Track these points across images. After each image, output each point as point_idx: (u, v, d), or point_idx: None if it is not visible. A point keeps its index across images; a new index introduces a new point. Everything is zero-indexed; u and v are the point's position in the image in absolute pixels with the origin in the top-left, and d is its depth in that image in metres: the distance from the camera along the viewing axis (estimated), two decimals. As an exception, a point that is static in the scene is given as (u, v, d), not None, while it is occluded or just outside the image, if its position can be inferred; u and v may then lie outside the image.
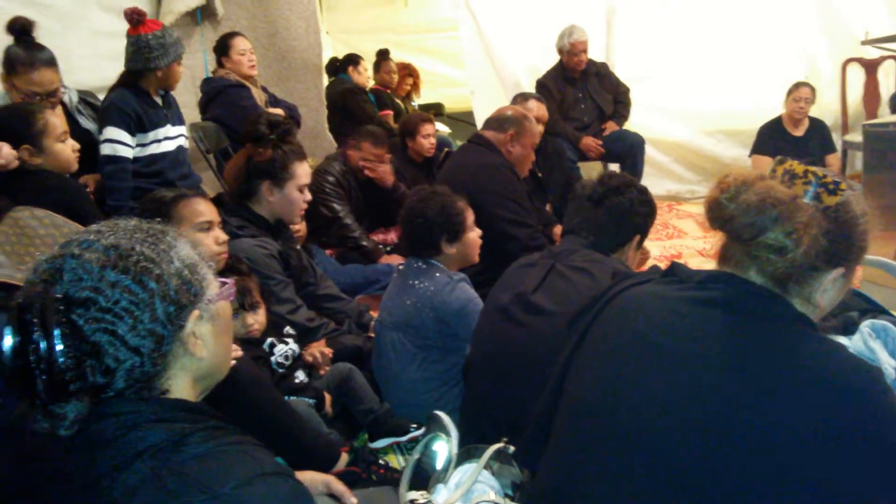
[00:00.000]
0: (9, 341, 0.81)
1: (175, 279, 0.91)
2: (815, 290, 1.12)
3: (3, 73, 2.54)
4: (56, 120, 2.23)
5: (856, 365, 1.04)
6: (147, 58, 2.83)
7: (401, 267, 2.40)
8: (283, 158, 2.44)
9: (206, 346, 0.96)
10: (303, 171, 2.50)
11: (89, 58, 2.92)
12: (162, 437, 0.84)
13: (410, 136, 4.15)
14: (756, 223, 1.08)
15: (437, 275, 2.26)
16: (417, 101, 6.95)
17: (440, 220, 2.25)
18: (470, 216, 2.35)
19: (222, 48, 3.93)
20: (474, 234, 2.36)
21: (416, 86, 6.84)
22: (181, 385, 0.94)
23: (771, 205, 1.06)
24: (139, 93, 2.90)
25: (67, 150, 2.27)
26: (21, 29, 2.53)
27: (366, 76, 5.99)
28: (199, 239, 1.96)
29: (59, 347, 0.81)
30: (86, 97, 3.13)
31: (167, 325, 0.90)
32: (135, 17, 2.83)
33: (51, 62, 2.58)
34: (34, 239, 1.73)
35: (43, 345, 0.80)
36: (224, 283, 1.01)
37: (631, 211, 1.92)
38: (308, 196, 2.54)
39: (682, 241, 4.43)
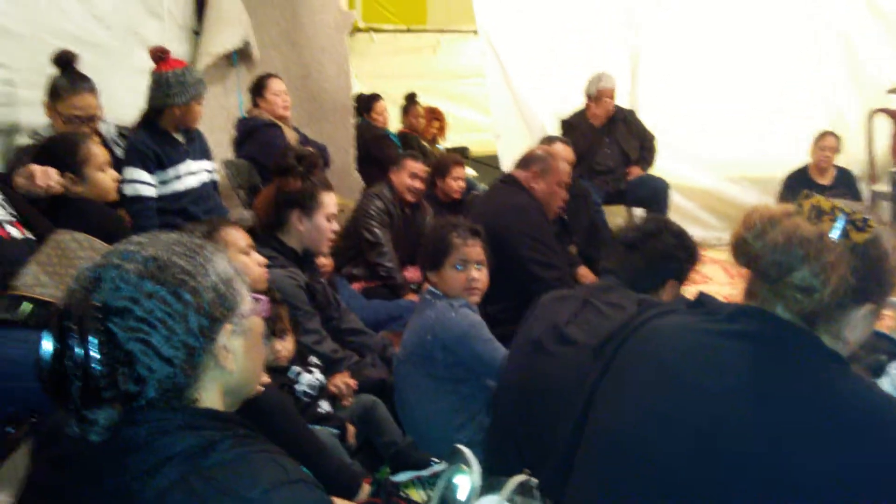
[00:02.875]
0: (48, 347, 0.84)
1: (210, 292, 0.94)
2: (843, 326, 1.10)
3: (48, 101, 2.64)
4: (98, 150, 2.32)
5: (890, 401, 1.03)
6: (165, 94, 2.91)
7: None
8: (311, 188, 2.51)
9: (236, 360, 0.98)
10: (330, 201, 2.56)
11: (132, 94, 3.03)
12: (191, 443, 0.86)
13: (441, 175, 4.25)
14: (783, 263, 1.07)
15: (439, 302, 2.28)
16: (443, 144, 7.06)
17: (425, 249, 2.31)
18: (457, 248, 2.27)
19: (258, 88, 4.05)
20: (450, 269, 2.28)
21: (441, 129, 6.96)
22: (210, 396, 0.96)
23: (798, 244, 1.05)
24: (157, 131, 2.97)
25: (108, 179, 2.35)
26: (66, 61, 2.64)
27: (385, 116, 6.01)
28: (243, 262, 2.02)
29: (95, 354, 0.83)
30: (123, 131, 3.23)
31: (200, 338, 0.92)
32: (158, 55, 2.93)
33: (92, 89, 2.68)
34: (74, 260, 1.79)
35: (79, 351, 0.83)
36: (258, 300, 1.03)
37: (666, 255, 1.91)
38: (335, 226, 2.60)
39: (709, 287, 4.40)
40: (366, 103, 5.84)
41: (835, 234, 1.07)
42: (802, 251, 1.05)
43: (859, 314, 1.10)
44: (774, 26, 5.20)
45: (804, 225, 1.08)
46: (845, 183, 4.89)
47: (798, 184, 4.81)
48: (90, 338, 0.83)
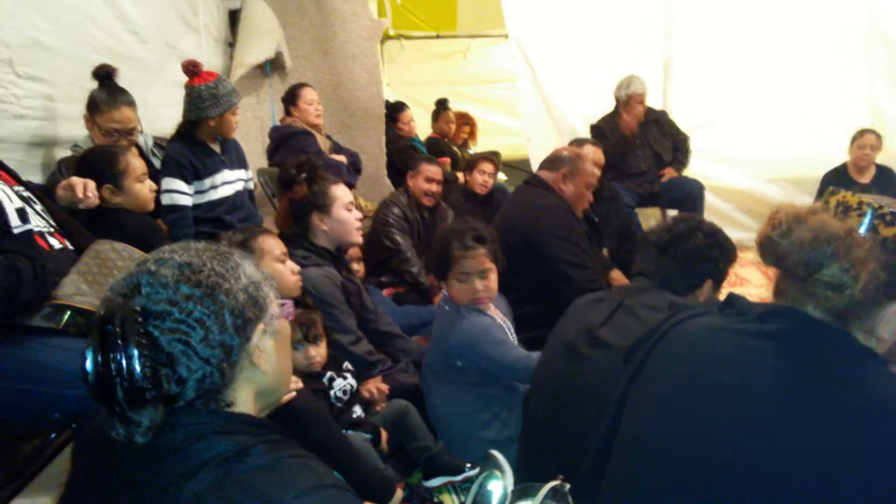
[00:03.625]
0: (92, 355, 0.87)
1: (242, 294, 0.97)
2: (876, 323, 1.09)
3: (87, 114, 2.72)
4: (136, 161, 2.38)
5: None
6: (199, 107, 2.97)
7: None
8: (319, 186, 2.54)
9: (269, 360, 1.01)
10: (342, 192, 2.60)
11: (169, 107, 3.10)
12: (226, 447, 0.88)
13: (470, 170, 4.38)
14: (811, 260, 1.06)
15: (447, 308, 2.31)
16: (474, 148, 7.07)
17: (431, 258, 2.34)
18: (458, 261, 2.24)
19: (291, 97, 4.11)
20: (454, 281, 2.26)
21: (472, 134, 6.98)
22: (245, 398, 0.99)
23: (826, 241, 1.04)
24: (194, 142, 3.03)
25: (146, 190, 2.40)
26: (105, 75, 2.72)
27: (411, 126, 5.98)
28: (278, 270, 2.06)
29: (138, 357, 0.87)
30: (160, 142, 3.31)
31: (235, 337, 0.95)
32: (190, 69, 3.00)
33: (131, 103, 2.76)
34: (113, 270, 1.83)
35: (122, 354, 0.86)
36: (283, 304, 1.06)
37: (699, 256, 1.86)
38: (359, 214, 2.62)
39: (745, 289, 4.34)
40: (391, 112, 5.86)
41: (863, 229, 1.06)
42: (831, 248, 1.04)
43: (892, 309, 1.09)
44: (810, 24, 5.09)
45: (831, 221, 1.07)
46: (886, 181, 4.77)
47: (837, 183, 4.70)
48: (132, 341, 0.87)
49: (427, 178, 3.93)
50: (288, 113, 4.12)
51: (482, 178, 4.37)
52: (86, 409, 1.59)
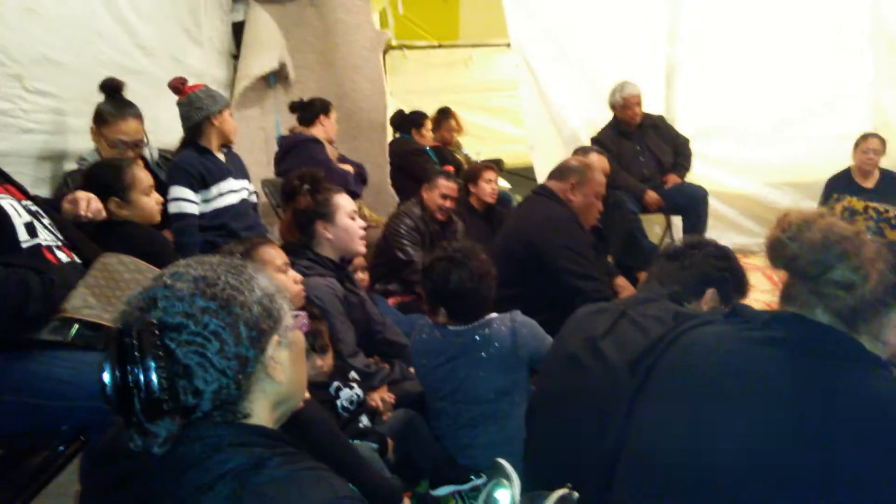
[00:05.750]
0: (110, 368, 0.89)
1: (257, 306, 0.99)
2: (884, 326, 1.10)
3: (94, 127, 2.75)
4: (142, 174, 2.40)
5: None
6: (198, 108, 3.04)
7: None
8: (322, 195, 2.56)
9: (284, 371, 1.02)
10: (345, 201, 2.62)
11: (175, 120, 3.14)
12: (242, 460, 0.89)
13: (473, 181, 4.31)
14: (822, 260, 1.07)
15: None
16: (468, 150, 7.04)
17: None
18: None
19: (325, 108, 4.14)
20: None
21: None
22: (261, 409, 1.00)
23: (835, 241, 1.06)
24: (201, 150, 3.08)
25: (152, 202, 2.42)
26: (112, 88, 2.75)
27: (428, 137, 6.06)
28: (280, 280, 2.07)
29: (155, 369, 0.88)
30: (165, 154, 3.34)
31: (250, 349, 0.97)
32: (178, 85, 3.08)
33: (137, 115, 2.79)
34: (120, 283, 1.85)
35: (140, 367, 0.88)
36: (297, 315, 1.07)
37: (704, 263, 1.89)
38: (362, 223, 2.63)
39: (751, 294, 4.31)
40: (416, 120, 5.90)
41: (869, 232, 1.09)
42: (840, 248, 1.06)
43: None
44: (813, 28, 5.10)
45: (840, 223, 1.09)
46: (890, 185, 4.76)
47: (841, 187, 4.71)
48: (150, 354, 0.88)
49: (443, 194, 3.96)
50: (310, 122, 4.12)
51: (490, 187, 4.33)
52: (94, 421, 1.60)
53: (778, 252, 1.15)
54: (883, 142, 4.71)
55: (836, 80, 5.13)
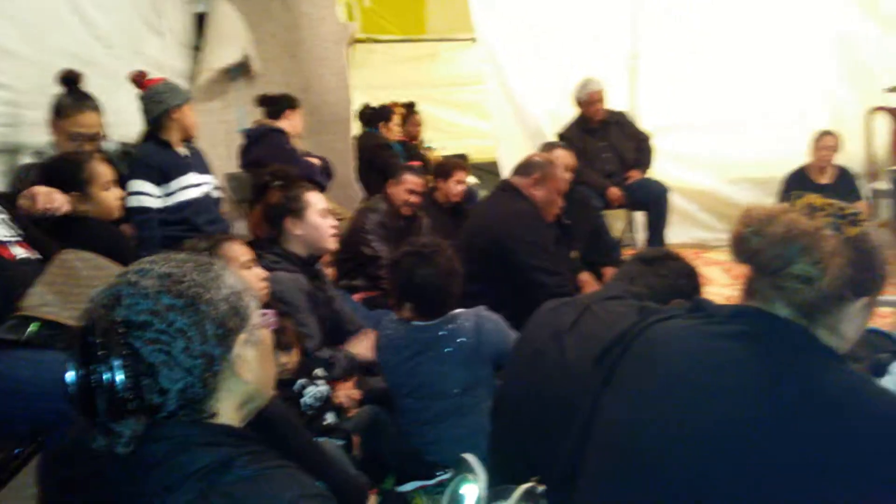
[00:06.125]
0: (74, 367, 0.87)
1: (223, 304, 0.97)
2: (841, 320, 1.14)
3: (52, 119, 2.68)
4: (103, 168, 2.35)
5: (884, 395, 1.05)
6: (160, 101, 3.01)
7: None
8: (294, 192, 2.55)
9: (251, 370, 1.01)
10: (316, 199, 2.60)
11: (135, 112, 3.09)
12: (209, 460, 0.88)
13: (444, 177, 4.29)
14: (783, 254, 1.10)
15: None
16: (431, 145, 7.04)
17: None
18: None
19: (292, 103, 4.11)
20: None
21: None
22: (227, 407, 0.99)
23: (796, 236, 1.09)
24: (161, 144, 3.04)
25: (112, 197, 2.37)
26: (70, 79, 2.69)
27: (396, 132, 6.06)
28: (244, 276, 2.05)
29: (120, 368, 0.87)
30: (126, 148, 3.27)
31: (217, 347, 0.95)
32: (139, 78, 3.04)
33: (96, 107, 2.73)
34: (79, 280, 1.81)
35: (104, 365, 0.86)
36: (265, 313, 1.06)
37: (677, 275, 1.93)
38: (333, 221, 2.62)
39: (710, 288, 4.40)
40: (384, 115, 5.86)
41: (829, 228, 1.11)
42: (801, 243, 1.09)
43: (855, 307, 1.14)
44: (772, 28, 5.21)
45: (801, 219, 1.12)
46: (845, 181, 4.90)
47: (798, 183, 4.82)
48: (114, 352, 0.87)
49: (409, 189, 3.94)
50: (277, 115, 4.08)
51: (459, 188, 4.32)
52: (52, 422, 1.57)
53: (741, 247, 1.17)
54: (838, 138, 4.84)
55: (794, 80, 5.24)
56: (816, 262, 1.08)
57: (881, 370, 1.86)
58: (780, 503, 0.99)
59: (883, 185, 4.95)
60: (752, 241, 1.13)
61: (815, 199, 1.15)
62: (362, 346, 2.60)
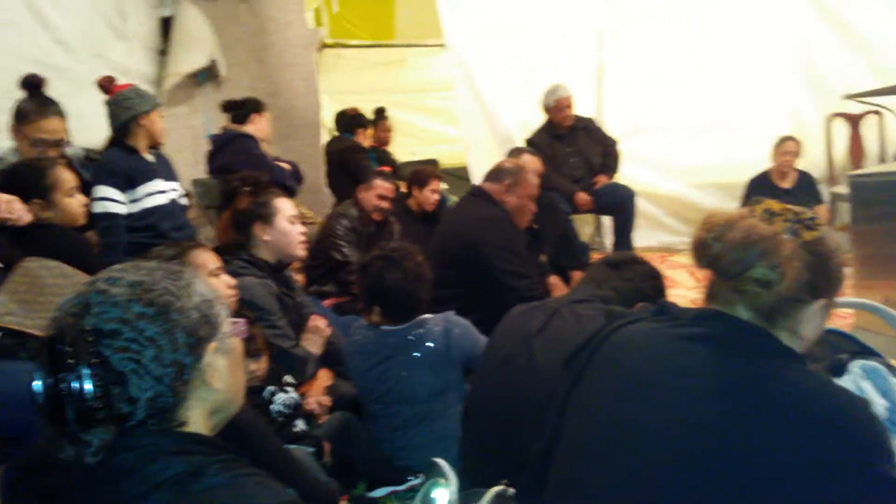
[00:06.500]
0: (42, 376, 0.86)
1: (195, 312, 0.97)
2: (800, 321, 1.17)
3: (14, 124, 2.63)
4: (66, 175, 2.31)
5: (842, 394, 1.08)
6: (128, 107, 2.96)
7: None
8: (263, 197, 2.53)
9: (221, 378, 1.01)
10: (285, 205, 2.60)
11: (99, 117, 3.04)
12: (180, 468, 0.88)
13: (419, 185, 4.28)
14: (743, 259, 1.13)
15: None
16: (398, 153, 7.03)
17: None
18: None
19: (258, 107, 4.06)
20: None
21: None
22: (198, 416, 0.98)
23: (755, 241, 1.12)
24: (128, 150, 3.00)
25: (76, 204, 2.34)
26: (33, 84, 2.64)
27: (368, 139, 6.00)
28: (212, 284, 2.03)
29: (88, 376, 0.86)
30: (91, 154, 3.22)
31: (188, 355, 0.95)
32: (106, 84, 2.99)
33: (60, 113, 2.68)
34: (43, 288, 1.78)
35: (73, 374, 0.85)
36: (236, 321, 1.06)
37: (643, 279, 1.96)
38: (302, 228, 2.62)
39: (676, 291, 4.46)
40: (361, 121, 5.81)
41: (787, 233, 1.14)
42: (759, 248, 1.11)
43: (813, 309, 1.17)
44: (735, 36, 5.32)
45: (759, 225, 1.15)
46: (806, 186, 5.01)
47: (760, 188, 4.92)
48: (83, 361, 0.86)
49: (379, 194, 3.94)
50: (242, 120, 4.03)
51: (434, 197, 4.32)
52: (18, 432, 1.54)
53: (702, 252, 1.20)
54: (799, 144, 4.96)
55: (755, 86, 5.36)
56: (775, 266, 1.11)
57: (840, 370, 1.91)
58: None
59: (842, 189, 5.09)
60: (713, 247, 1.16)
61: (773, 204, 1.18)
62: (313, 344, 2.58)
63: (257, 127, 4.01)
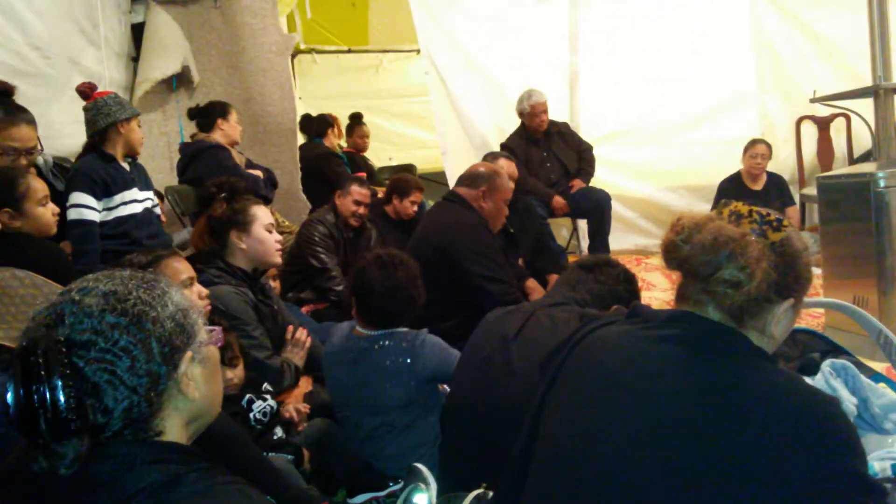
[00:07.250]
0: (14, 387, 0.85)
1: (169, 322, 0.96)
2: (769, 321, 1.19)
3: None
4: (37, 184, 2.29)
5: (813, 393, 1.10)
6: (107, 114, 2.96)
7: None
8: (240, 204, 2.53)
9: (197, 388, 1.00)
10: (263, 213, 2.58)
11: (71, 124, 3.02)
12: (156, 478, 0.87)
13: (400, 196, 4.23)
14: (712, 261, 1.15)
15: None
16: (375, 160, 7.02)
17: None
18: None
19: (223, 111, 4.00)
20: None
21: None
22: (174, 426, 0.98)
23: (724, 242, 1.14)
24: (105, 157, 2.98)
25: (48, 213, 2.31)
26: (2, 91, 2.61)
27: (335, 141, 5.99)
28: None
29: (61, 388, 0.85)
30: (60, 162, 3.19)
31: (162, 365, 0.94)
32: (86, 90, 2.99)
33: (30, 121, 2.65)
34: (14, 298, 1.75)
35: (45, 385, 0.84)
36: (212, 330, 1.05)
37: (616, 281, 1.98)
38: (279, 236, 2.60)
39: (651, 293, 4.53)
40: (328, 123, 5.79)
41: (754, 234, 1.16)
42: (728, 249, 1.14)
43: (782, 309, 1.19)
44: (704, 41, 5.40)
45: (727, 227, 1.17)
46: (777, 188, 5.10)
47: (731, 190, 5.00)
48: (56, 372, 0.85)
49: (356, 200, 3.93)
50: (208, 129, 3.98)
51: (413, 209, 4.27)
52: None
53: (672, 254, 1.22)
54: (769, 147, 5.05)
55: (726, 89, 5.44)
56: (743, 268, 1.13)
57: (812, 369, 1.95)
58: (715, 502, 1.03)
59: (812, 191, 5.18)
60: (683, 249, 1.18)
61: (740, 206, 1.20)
62: (297, 357, 2.59)
63: (225, 133, 3.96)
